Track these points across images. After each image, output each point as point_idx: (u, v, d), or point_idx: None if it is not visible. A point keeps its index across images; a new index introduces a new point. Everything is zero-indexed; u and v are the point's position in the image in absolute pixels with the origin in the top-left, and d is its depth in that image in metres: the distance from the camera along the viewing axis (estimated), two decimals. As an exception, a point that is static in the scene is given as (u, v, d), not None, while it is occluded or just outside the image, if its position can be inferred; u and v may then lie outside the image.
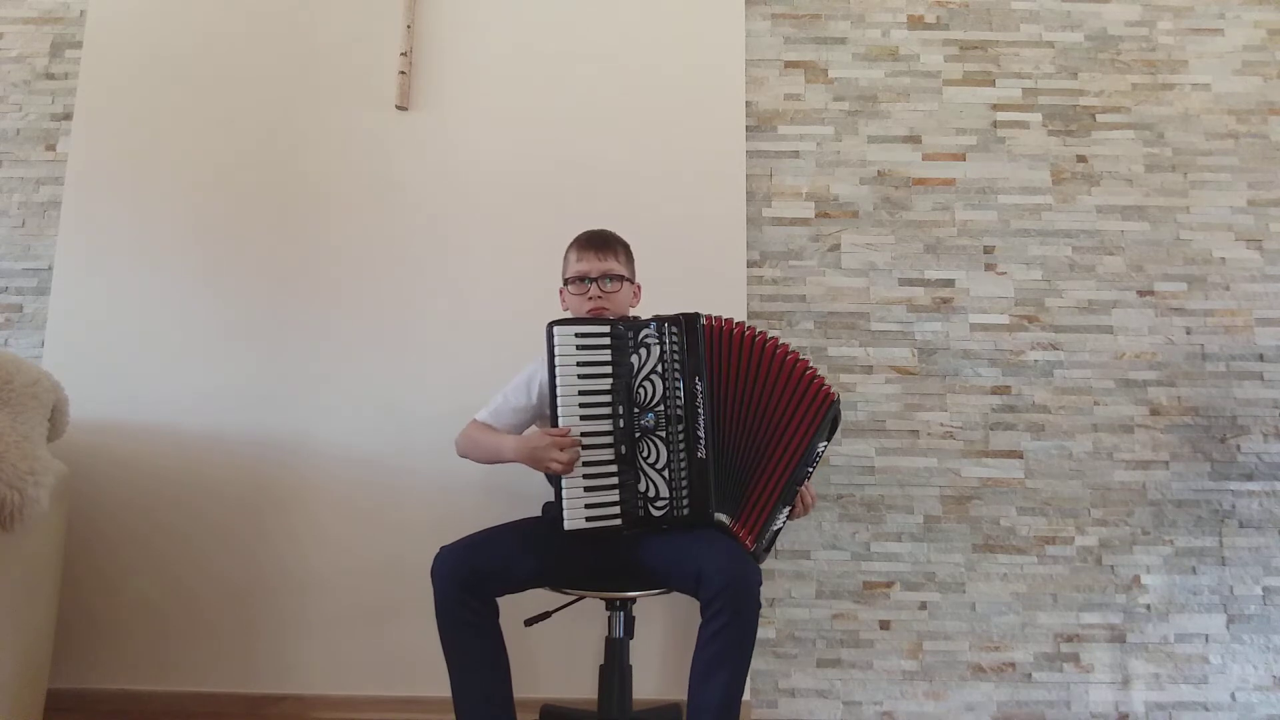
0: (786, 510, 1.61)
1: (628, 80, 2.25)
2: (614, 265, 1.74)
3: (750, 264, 2.21)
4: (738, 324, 1.63)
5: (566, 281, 1.77)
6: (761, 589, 1.47)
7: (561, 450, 1.52)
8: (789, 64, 2.30)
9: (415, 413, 2.12)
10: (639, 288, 1.83)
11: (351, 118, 2.23)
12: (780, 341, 1.64)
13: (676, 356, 1.58)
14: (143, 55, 2.24)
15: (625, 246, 1.81)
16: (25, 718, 1.72)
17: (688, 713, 1.47)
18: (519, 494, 1.99)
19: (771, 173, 2.26)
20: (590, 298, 1.71)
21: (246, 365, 2.14)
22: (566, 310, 1.78)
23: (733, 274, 2.18)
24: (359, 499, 2.10)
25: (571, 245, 1.79)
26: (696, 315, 1.61)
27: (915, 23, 2.32)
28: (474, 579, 1.51)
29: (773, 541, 1.62)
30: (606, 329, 1.58)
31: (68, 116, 2.24)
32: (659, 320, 1.60)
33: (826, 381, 1.62)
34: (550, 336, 1.56)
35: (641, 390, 1.57)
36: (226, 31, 2.25)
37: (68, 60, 2.28)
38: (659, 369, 1.57)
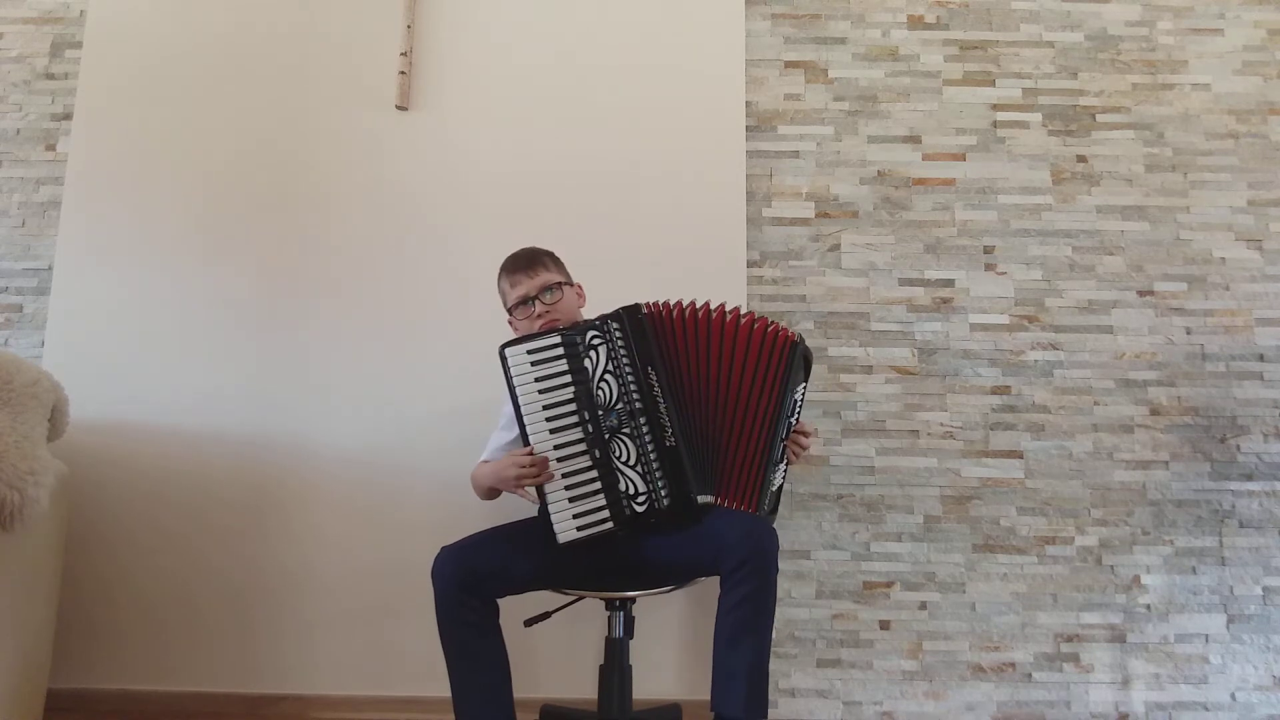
0: (782, 467, 1.61)
1: (628, 80, 2.25)
2: (548, 276, 1.74)
3: (750, 264, 2.21)
4: (676, 304, 1.62)
5: (511, 311, 1.76)
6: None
7: (523, 468, 1.53)
8: (789, 64, 2.30)
9: (415, 412, 2.12)
10: (580, 287, 1.83)
11: (351, 118, 2.23)
12: (730, 308, 1.62)
13: (624, 351, 1.58)
14: (143, 55, 2.24)
15: (550, 254, 1.80)
16: (25, 718, 1.72)
17: (715, 679, 1.46)
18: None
19: (771, 173, 2.26)
20: (538, 316, 1.71)
21: (247, 365, 2.14)
22: None
23: (733, 274, 2.18)
24: (359, 499, 2.10)
25: (501, 277, 1.78)
26: (637, 306, 1.60)
27: (915, 23, 2.32)
28: (474, 579, 1.52)
29: (777, 501, 1.61)
30: (557, 339, 1.59)
31: (68, 116, 2.24)
32: (602, 319, 1.60)
33: (788, 328, 1.60)
34: (504, 360, 1.58)
35: (600, 392, 1.57)
36: (226, 32, 2.26)
37: (68, 60, 2.28)
38: (610, 367, 1.57)
